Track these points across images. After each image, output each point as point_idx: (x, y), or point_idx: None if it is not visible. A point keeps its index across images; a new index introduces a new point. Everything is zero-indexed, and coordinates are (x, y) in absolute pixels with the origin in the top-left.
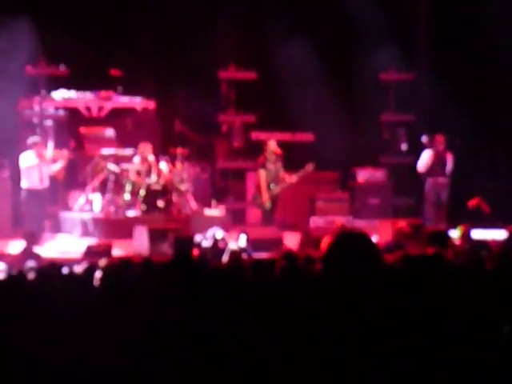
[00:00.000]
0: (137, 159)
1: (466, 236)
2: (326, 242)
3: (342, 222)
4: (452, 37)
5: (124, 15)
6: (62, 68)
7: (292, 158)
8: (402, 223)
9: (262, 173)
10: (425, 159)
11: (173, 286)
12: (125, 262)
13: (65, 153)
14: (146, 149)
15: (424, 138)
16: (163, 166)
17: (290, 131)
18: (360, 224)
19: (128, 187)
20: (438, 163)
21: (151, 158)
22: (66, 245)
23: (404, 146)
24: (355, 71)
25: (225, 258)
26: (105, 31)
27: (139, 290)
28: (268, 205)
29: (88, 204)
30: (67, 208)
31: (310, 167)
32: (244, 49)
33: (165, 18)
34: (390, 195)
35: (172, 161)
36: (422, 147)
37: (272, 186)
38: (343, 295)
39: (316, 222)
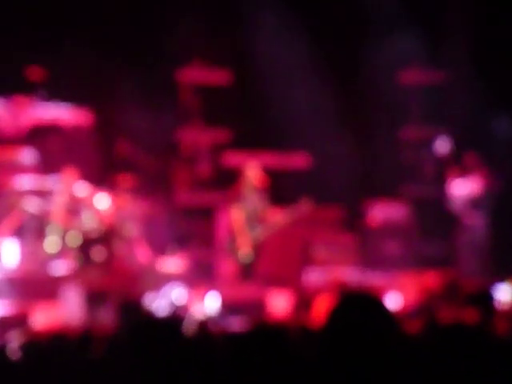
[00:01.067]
0: (65, 192)
1: None
2: (321, 309)
3: (343, 277)
4: (499, 23)
5: None
6: None
7: (281, 189)
8: (431, 278)
9: (237, 211)
10: (462, 191)
11: (120, 369)
12: (54, 337)
13: None
14: (76, 177)
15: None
16: (102, 201)
17: (277, 153)
18: (373, 279)
19: (53, 233)
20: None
21: (84, 190)
22: None
23: (432, 172)
24: (366, 70)
25: (187, 331)
26: (20, 16)
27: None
28: (247, 255)
29: None
30: None
31: (305, 202)
32: (214, 40)
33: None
34: (413, 239)
35: (114, 194)
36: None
37: (253, 228)
38: None
39: (313, 276)
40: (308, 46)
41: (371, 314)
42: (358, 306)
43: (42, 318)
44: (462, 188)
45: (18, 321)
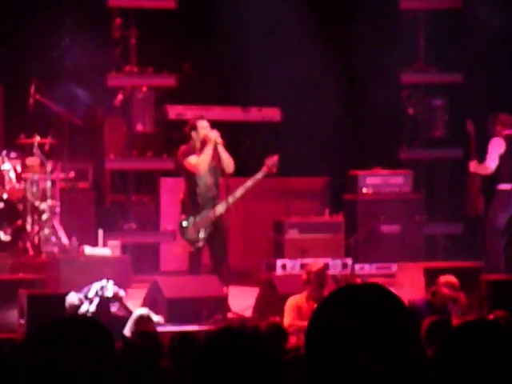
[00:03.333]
0: None
1: None
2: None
3: (324, 269)
4: None
5: None
6: None
7: (244, 152)
8: (442, 269)
9: (188, 178)
10: (494, 153)
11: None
12: None
13: None
14: None
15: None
16: (8, 167)
17: (238, 104)
18: (365, 271)
19: None
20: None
21: None
22: None
23: (442, 129)
24: None
25: (126, 332)
26: None
27: None
28: (202, 237)
29: None
30: None
31: (273, 163)
32: None
33: None
34: (419, 216)
35: (24, 159)
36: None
37: (209, 200)
38: None
39: (286, 267)
40: None
41: (383, 308)
42: (360, 297)
43: None
44: (498, 147)
45: None
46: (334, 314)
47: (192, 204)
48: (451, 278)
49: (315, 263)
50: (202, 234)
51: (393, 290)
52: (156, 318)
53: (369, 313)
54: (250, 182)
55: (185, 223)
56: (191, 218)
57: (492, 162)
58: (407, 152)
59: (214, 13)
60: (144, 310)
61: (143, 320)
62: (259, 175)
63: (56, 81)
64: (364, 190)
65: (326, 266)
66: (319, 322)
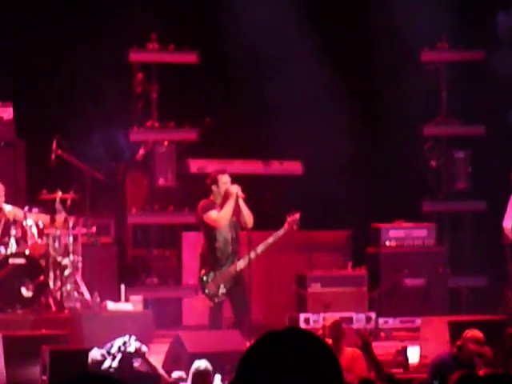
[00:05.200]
0: None
1: None
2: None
3: (345, 324)
4: None
5: None
6: None
7: (265, 206)
8: (467, 322)
9: (209, 232)
10: None
11: None
12: None
13: None
14: None
15: None
16: (30, 223)
17: (260, 158)
18: (389, 325)
19: None
20: None
21: (8, 208)
22: None
23: (465, 181)
24: (377, 42)
25: None
26: None
27: None
28: (224, 292)
29: None
30: None
31: (294, 220)
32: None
33: None
34: (442, 269)
35: (46, 213)
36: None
37: (230, 255)
38: None
39: (309, 321)
40: (300, 20)
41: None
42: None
43: None
44: None
45: None
46: (257, 361)
47: (212, 258)
48: (477, 333)
49: (330, 317)
50: (222, 289)
51: (417, 344)
52: (178, 373)
53: (291, 357)
54: (271, 239)
55: (205, 278)
56: (211, 273)
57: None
58: (430, 204)
59: (235, 67)
60: (203, 363)
61: (203, 373)
62: (281, 232)
63: (78, 136)
64: (387, 243)
65: (342, 320)
66: (245, 370)
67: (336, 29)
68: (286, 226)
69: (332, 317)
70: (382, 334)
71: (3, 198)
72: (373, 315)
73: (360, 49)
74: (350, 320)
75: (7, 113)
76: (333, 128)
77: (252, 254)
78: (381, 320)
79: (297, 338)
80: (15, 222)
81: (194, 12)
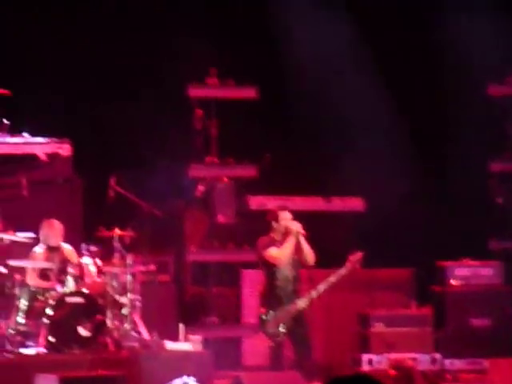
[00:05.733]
0: (40, 250)
1: None
2: None
3: (411, 365)
4: None
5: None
6: None
7: (326, 241)
8: None
9: (270, 270)
10: None
11: None
12: None
13: None
14: (56, 230)
15: None
16: (88, 261)
17: (321, 195)
18: (456, 366)
19: (24, 301)
20: None
21: (66, 246)
22: None
23: None
24: (441, 75)
25: None
26: None
27: None
28: (284, 332)
29: None
30: None
31: (357, 258)
32: (234, 50)
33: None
34: (510, 310)
35: (104, 253)
36: None
37: (291, 294)
38: None
39: (372, 362)
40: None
41: None
42: None
43: None
44: None
45: None
46: None
47: (272, 297)
48: None
49: (403, 360)
50: (282, 329)
51: None
52: None
53: None
54: (333, 278)
55: (265, 317)
56: (272, 312)
57: None
58: (497, 242)
59: (295, 102)
60: None
61: None
62: (343, 271)
63: (136, 172)
64: (452, 282)
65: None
66: None
67: (399, 65)
68: (348, 265)
69: (405, 360)
70: (448, 376)
71: (61, 237)
72: (438, 356)
73: (424, 83)
74: (415, 361)
75: (65, 149)
76: (395, 164)
77: (313, 293)
78: (447, 361)
79: None
80: (73, 260)
81: (254, 47)
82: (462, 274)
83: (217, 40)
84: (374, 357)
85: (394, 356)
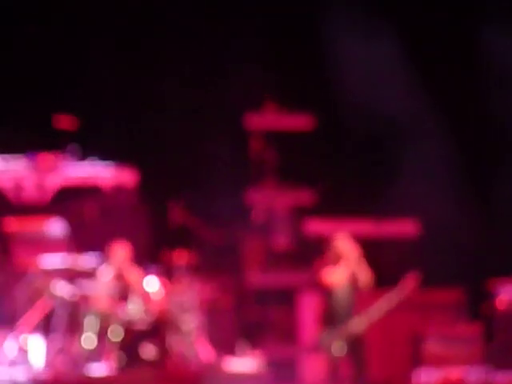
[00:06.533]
0: (106, 273)
1: None
2: None
3: (462, 379)
4: None
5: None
6: None
7: (380, 265)
8: None
9: (326, 293)
10: None
11: None
12: None
13: None
14: (122, 254)
15: None
16: (152, 283)
17: (374, 218)
18: (507, 380)
19: (90, 325)
20: None
21: (132, 269)
22: None
23: None
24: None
25: None
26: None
27: None
28: (342, 351)
29: (21, 355)
30: None
31: (412, 281)
32: (289, 79)
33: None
34: None
35: (168, 275)
36: None
37: (347, 315)
38: None
39: (426, 377)
40: (414, 77)
41: None
42: None
43: None
44: None
45: None
46: None
47: (329, 318)
48: None
49: (450, 373)
50: (340, 348)
51: None
52: None
53: None
54: (388, 300)
55: (322, 337)
56: (328, 332)
57: None
58: None
59: (349, 131)
60: None
61: None
62: (398, 293)
63: (197, 199)
64: (503, 300)
65: (464, 377)
66: None
67: (453, 90)
68: (403, 286)
69: (453, 373)
70: None
71: (128, 260)
72: (488, 370)
73: (476, 105)
74: (466, 375)
75: (130, 176)
76: (448, 186)
77: (369, 315)
78: (496, 374)
79: None
80: (138, 283)
81: (309, 76)
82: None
83: (272, 67)
84: (427, 372)
85: (446, 371)
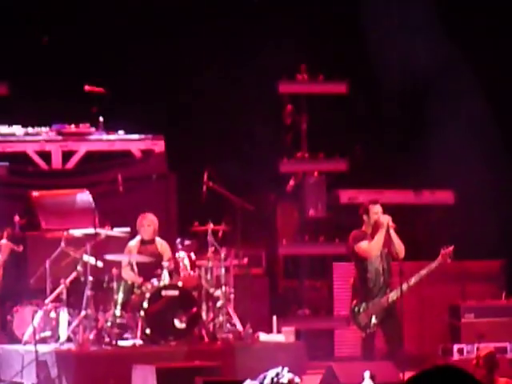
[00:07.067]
0: (134, 244)
1: None
2: None
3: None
4: None
5: None
6: None
7: (416, 235)
8: None
9: (361, 263)
10: None
11: None
12: None
13: (3, 241)
14: (150, 225)
15: None
16: (183, 255)
17: (411, 188)
18: None
19: (120, 295)
20: None
21: (160, 241)
22: None
23: None
24: None
25: None
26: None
27: None
28: (376, 323)
29: (49, 328)
30: (10, 336)
31: (448, 252)
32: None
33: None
34: None
35: (198, 247)
36: None
37: (382, 286)
38: None
39: (463, 352)
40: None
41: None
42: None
43: None
44: None
45: None
46: None
47: (364, 289)
48: None
49: (485, 347)
50: (374, 320)
51: None
52: None
53: None
54: (424, 271)
55: (356, 309)
56: (363, 304)
57: None
58: None
59: (384, 96)
60: None
61: None
62: (434, 265)
63: (228, 167)
64: None
65: (496, 351)
66: None
67: (490, 52)
68: (439, 258)
69: (486, 347)
70: None
71: (156, 231)
72: None
73: None
74: (505, 350)
75: (159, 145)
76: (487, 155)
77: (404, 286)
78: None
79: (451, 377)
80: (167, 254)
81: (343, 41)
82: None
83: (307, 36)
84: (464, 346)
85: (484, 345)
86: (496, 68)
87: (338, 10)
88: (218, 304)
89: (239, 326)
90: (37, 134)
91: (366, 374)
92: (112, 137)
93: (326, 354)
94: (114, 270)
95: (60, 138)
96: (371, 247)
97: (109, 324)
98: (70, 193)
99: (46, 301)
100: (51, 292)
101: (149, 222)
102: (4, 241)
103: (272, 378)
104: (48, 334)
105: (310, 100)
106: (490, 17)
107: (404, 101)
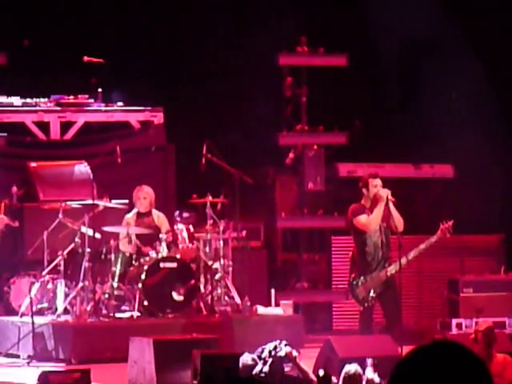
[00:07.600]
0: (131, 216)
1: None
2: None
3: (492, 325)
4: None
5: None
6: None
7: (416, 210)
8: None
9: (360, 237)
10: None
11: None
12: None
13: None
14: (146, 197)
15: None
16: (181, 227)
17: (411, 162)
18: None
19: (118, 267)
20: None
21: (157, 213)
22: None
23: None
24: None
25: None
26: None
27: None
28: (374, 296)
29: (46, 300)
30: (6, 308)
31: (447, 227)
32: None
33: None
34: None
35: (197, 219)
36: None
37: (381, 259)
38: None
39: (461, 326)
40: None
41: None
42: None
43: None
44: None
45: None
46: (408, 376)
47: (362, 263)
48: None
49: (484, 322)
50: (372, 294)
51: None
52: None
53: (443, 373)
54: (423, 245)
55: (355, 282)
56: (361, 278)
57: None
58: None
59: (384, 70)
60: (354, 367)
61: (354, 377)
62: (433, 239)
63: (227, 140)
64: None
65: (495, 325)
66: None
67: (490, 28)
68: (438, 233)
69: (485, 322)
70: None
71: (153, 203)
72: None
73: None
74: (503, 325)
75: (158, 117)
76: (486, 130)
77: (403, 260)
78: None
79: (449, 352)
80: (164, 226)
81: (343, 14)
82: None
83: (306, 8)
84: (463, 321)
85: (482, 320)
86: (496, 41)
87: None
88: (216, 277)
89: (237, 299)
90: (35, 105)
91: (369, 361)
92: (111, 108)
93: (324, 327)
94: (112, 242)
95: (58, 108)
96: (370, 221)
97: (106, 296)
98: (68, 164)
99: (44, 272)
100: (49, 263)
101: (144, 195)
102: (0, 215)
103: (270, 351)
104: (45, 305)
105: (310, 72)
106: None
107: (403, 73)
